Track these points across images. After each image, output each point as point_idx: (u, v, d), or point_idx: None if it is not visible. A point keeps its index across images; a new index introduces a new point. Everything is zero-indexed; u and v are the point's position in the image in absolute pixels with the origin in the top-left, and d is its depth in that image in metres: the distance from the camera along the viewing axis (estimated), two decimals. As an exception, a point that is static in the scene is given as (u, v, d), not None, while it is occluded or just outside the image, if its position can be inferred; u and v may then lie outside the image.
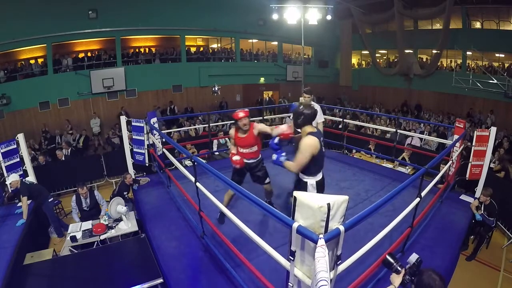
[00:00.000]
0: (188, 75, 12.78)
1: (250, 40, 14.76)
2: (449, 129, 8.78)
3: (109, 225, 4.19)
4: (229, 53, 14.32)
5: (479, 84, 11.73)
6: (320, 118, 4.49)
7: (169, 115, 11.50)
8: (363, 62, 17.21)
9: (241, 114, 3.36)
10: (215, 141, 7.23)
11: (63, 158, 7.23)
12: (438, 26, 12.90)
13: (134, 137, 5.41)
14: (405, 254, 3.00)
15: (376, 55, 15.83)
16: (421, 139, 8.29)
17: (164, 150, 4.68)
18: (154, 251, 3.30)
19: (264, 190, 3.75)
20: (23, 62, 10.47)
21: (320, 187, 2.82)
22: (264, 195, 3.80)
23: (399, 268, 1.80)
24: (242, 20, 13.46)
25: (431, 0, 11.74)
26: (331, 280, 1.48)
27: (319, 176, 2.82)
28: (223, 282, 2.79)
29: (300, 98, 4.47)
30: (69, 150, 7.63)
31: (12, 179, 4.44)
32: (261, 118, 7.48)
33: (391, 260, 1.84)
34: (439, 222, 3.75)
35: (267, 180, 3.66)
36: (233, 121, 3.42)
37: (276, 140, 3.04)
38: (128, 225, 4.18)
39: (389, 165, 6.33)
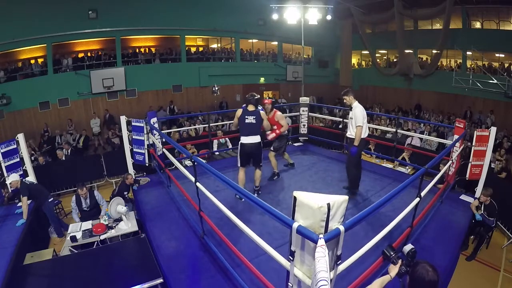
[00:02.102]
0: (188, 75, 12.78)
1: (250, 40, 14.75)
2: (449, 130, 8.77)
3: (109, 225, 4.18)
4: (229, 53, 14.32)
5: (479, 84, 11.73)
6: (357, 121, 4.15)
7: (169, 115, 11.50)
8: (363, 62, 17.21)
9: (266, 100, 4.91)
10: (215, 141, 7.23)
11: (64, 158, 7.23)
12: (438, 26, 12.89)
13: (134, 137, 5.41)
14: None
15: (376, 55, 15.83)
16: (421, 139, 8.29)
17: (164, 150, 4.68)
18: (154, 251, 3.30)
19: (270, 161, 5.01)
20: (23, 62, 10.47)
21: (242, 150, 4.09)
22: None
23: (396, 260, 1.83)
24: (242, 20, 13.46)
25: (431, 0, 11.74)
26: (331, 280, 1.48)
27: (243, 140, 4.04)
28: (223, 282, 2.79)
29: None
30: (69, 150, 7.63)
31: (12, 179, 4.44)
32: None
33: (390, 252, 1.86)
34: (439, 222, 3.75)
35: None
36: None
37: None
38: (128, 225, 4.18)
39: (389, 165, 6.34)
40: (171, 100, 12.22)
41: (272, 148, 5.02)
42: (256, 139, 4.06)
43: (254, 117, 3.99)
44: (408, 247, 1.88)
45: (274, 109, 4.90)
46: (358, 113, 4.16)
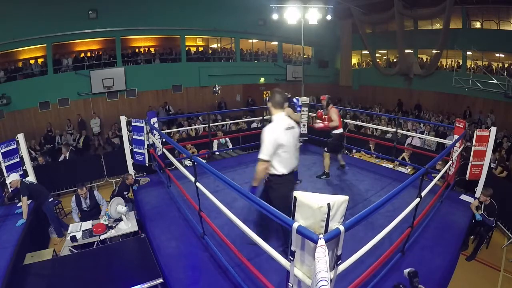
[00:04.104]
0: (188, 75, 12.78)
1: (250, 40, 14.75)
2: (450, 130, 8.77)
3: (109, 225, 4.18)
4: (229, 53, 14.32)
5: (479, 84, 11.73)
6: (261, 149, 2.71)
7: (165, 115, 11.49)
8: (363, 62, 17.21)
9: (322, 97, 5.24)
10: (215, 141, 7.23)
11: (67, 156, 7.19)
12: (438, 26, 12.90)
13: (134, 137, 5.41)
14: (405, 254, 3.00)
15: (376, 55, 15.83)
16: (421, 139, 8.29)
17: (164, 150, 4.68)
18: (154, 251, 3.30)
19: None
20: (23, 62, 10.46)
21: None
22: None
23: None
24: (242, 20, 13.46)
25: (431, 0, 11.74)
26: (331, 280, 1.48)
27: None
28: (223, 282, 2.79)
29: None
30: (68, 150, 7.60)
31: (12, 179, 4.44)
32: (261, 118, 7.48)
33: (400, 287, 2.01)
34: (439, 222, 3.75)
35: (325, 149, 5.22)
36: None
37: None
38: (128, 225, 4.18)
39: (389, 165, 6.33)
40: (165, 102, 12.19)
41: (326, 149, 5.13)
42: None
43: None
44: (407, 270, 2.06)
45: (331, 105, 5.13)
46: (265, 136, 2.65)
